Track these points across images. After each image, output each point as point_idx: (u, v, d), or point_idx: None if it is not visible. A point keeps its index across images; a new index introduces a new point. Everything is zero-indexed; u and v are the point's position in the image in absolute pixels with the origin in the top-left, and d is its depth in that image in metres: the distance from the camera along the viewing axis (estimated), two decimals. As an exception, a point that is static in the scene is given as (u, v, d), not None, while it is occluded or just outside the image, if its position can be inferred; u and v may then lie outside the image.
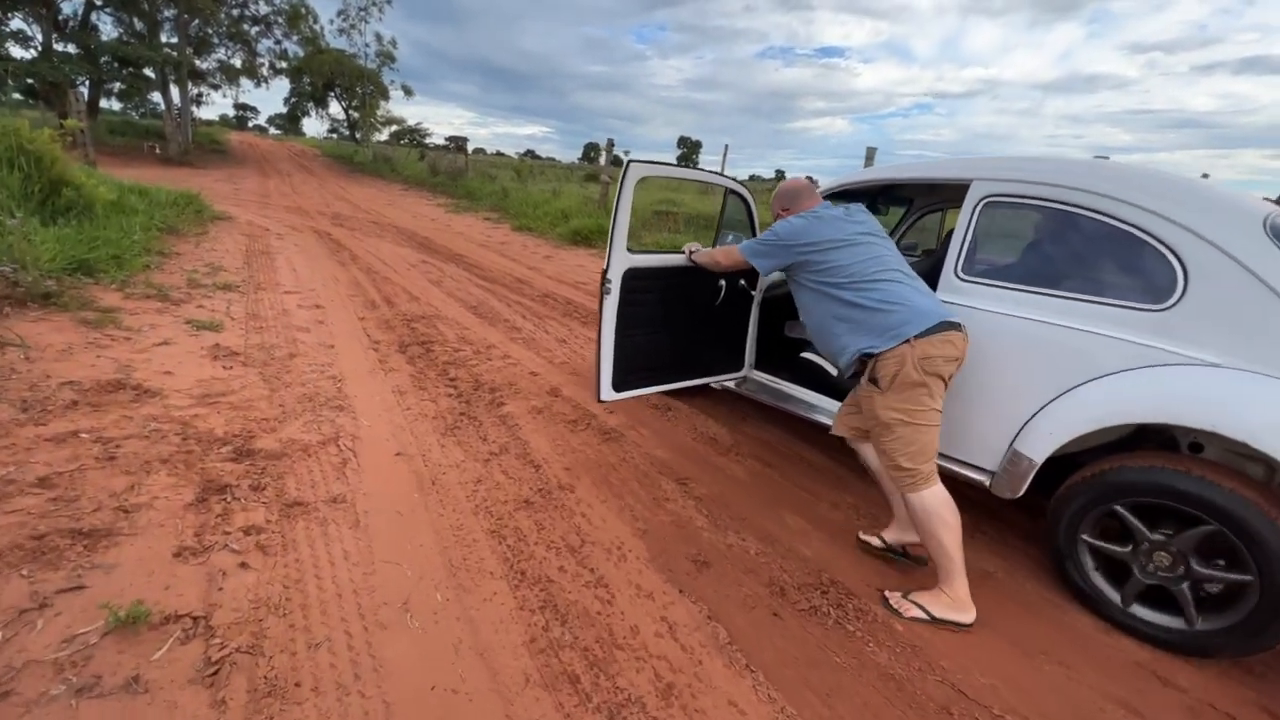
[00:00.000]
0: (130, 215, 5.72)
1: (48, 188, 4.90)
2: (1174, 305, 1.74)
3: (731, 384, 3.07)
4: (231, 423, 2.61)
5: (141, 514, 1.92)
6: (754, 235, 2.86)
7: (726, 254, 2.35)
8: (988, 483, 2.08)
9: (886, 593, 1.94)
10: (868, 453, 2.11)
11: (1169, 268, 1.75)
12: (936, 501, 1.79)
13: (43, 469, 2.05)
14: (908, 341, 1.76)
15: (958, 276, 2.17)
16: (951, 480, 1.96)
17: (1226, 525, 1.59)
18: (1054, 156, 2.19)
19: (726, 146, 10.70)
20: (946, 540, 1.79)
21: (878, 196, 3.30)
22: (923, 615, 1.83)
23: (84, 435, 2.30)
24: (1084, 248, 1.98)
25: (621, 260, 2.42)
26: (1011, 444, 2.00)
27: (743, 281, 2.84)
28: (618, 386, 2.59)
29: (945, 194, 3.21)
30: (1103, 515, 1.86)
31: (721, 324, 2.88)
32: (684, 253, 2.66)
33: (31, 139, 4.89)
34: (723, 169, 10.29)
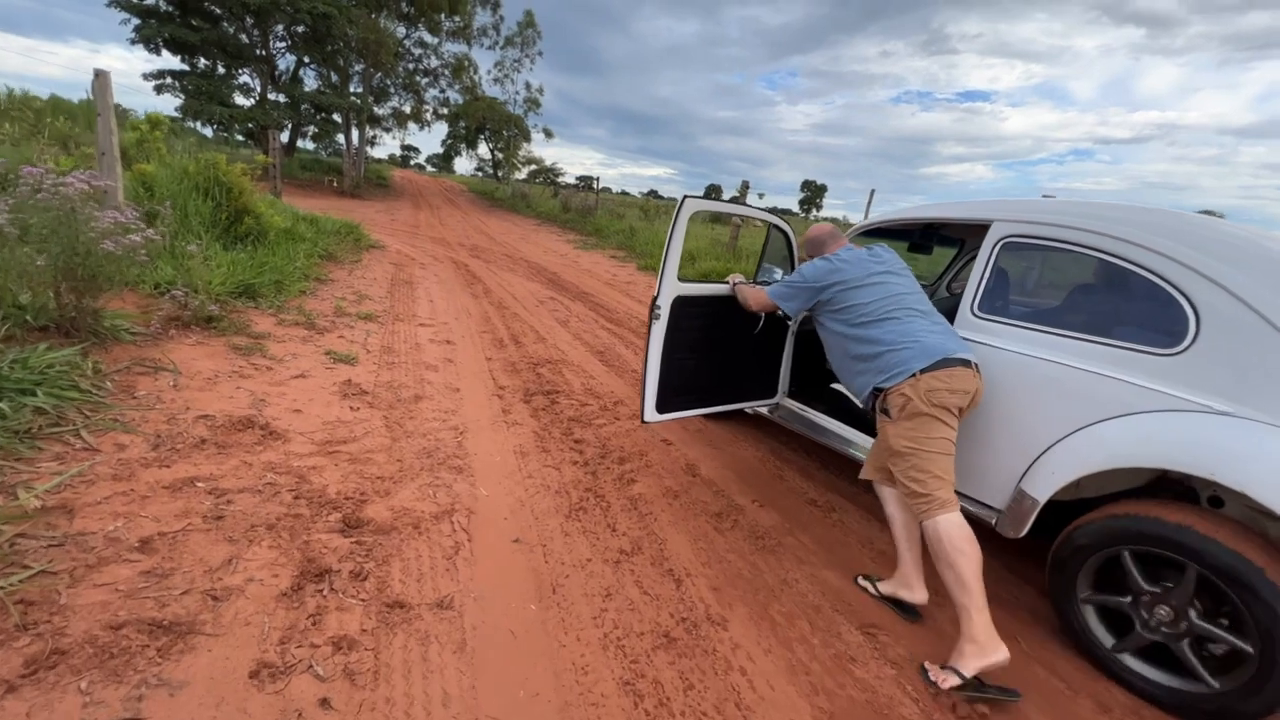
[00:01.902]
0: (298, 242, 6.14)
1: (233, 215, 5.33)
2: (1185, 350, 1.71)
3: (765, 410, 3.12)
4: (347, 479, 2.37)
5: (230, 604, 1.63)
6: (793, 268, 2.92)
7: (755, 296, 2.46)
8: (993, 521, 2.05)
9: (926, 664, 1.78)
10: (889, 498, 2.07)
11: (1180, 312, 1.73)
12: (952, 529, 1.75)
13: (149, 527, 1.86)
14: (913, 376, 1.85)
15: (973, 314, 2.20)
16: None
17: (1225, 582, 1.52)
18: (1073, 200, 2.14)
19: (872, 192, 9.88)
20: (964, 570, 1.70)
21: (921, 236, 3.29)
22: (959, 681, 1.66)
23: (200, 485, 2.13)
24: (1097, 289, 2.05)
25: (672, 288, 2.47)
26: (1018, 483, 1.98)
27: (780, 311, 2.76)
28: (661, 408, 2.62)
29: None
30: (1105, 562, 1.80)
31: (758, 351, 2.94)
32: (727, 283, 2.72)
33: (226, 172, 5.37)
34: (866, 214, 9.49)
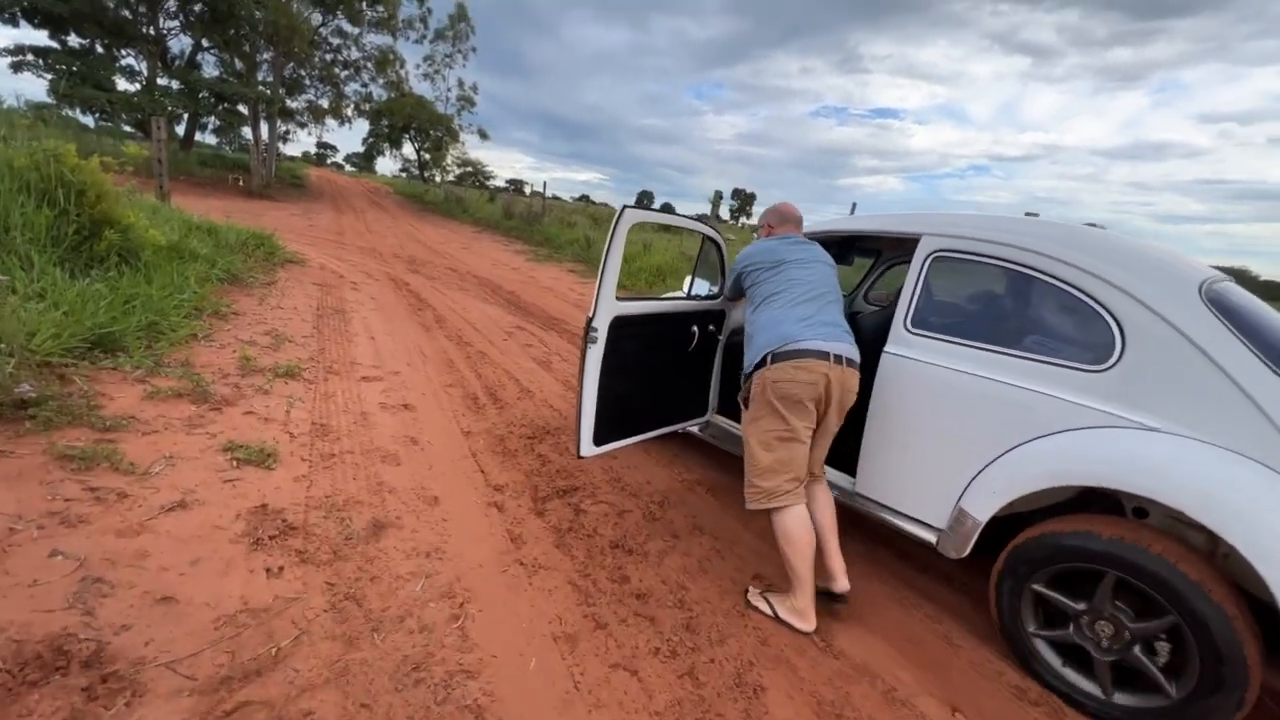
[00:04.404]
0: (188, 262, 4.65)
1: (87, 228, 3.83)
2: (1112, 367, 1.73)
3: (695, 429, 3.03)
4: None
5: None
6: (723, 278, 2.86)
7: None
8: (934, 540, 2.03)
9: (752, 585, 2.12)
10: (818, 492, 2.10)
11: (1107, 329, 1.75)
12: (785, 522, 1.92)
13: None
14: (763, 363, 1.95)
15: (906, 329, 2.16)
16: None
17: (1144, 581, 1.57)
18: (1001, 216, 2.14)
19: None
20: (793, 558, 1.91)
21: (843, 247, 3.17)
22: (767, 611, 1.99)
23: None
24: (1027, 306, 2.02)
25: (609, 308, 2.28)
26: (958, 502, 1.95)
27: (711, 326, 2.81)
28: (598, 441, 2.39)
29: (909, 247, 2.74)
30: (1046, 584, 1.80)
31: (691, 369, 2.82)
32: (675, 294, 2.87)
33: (77, 167, 3.87)
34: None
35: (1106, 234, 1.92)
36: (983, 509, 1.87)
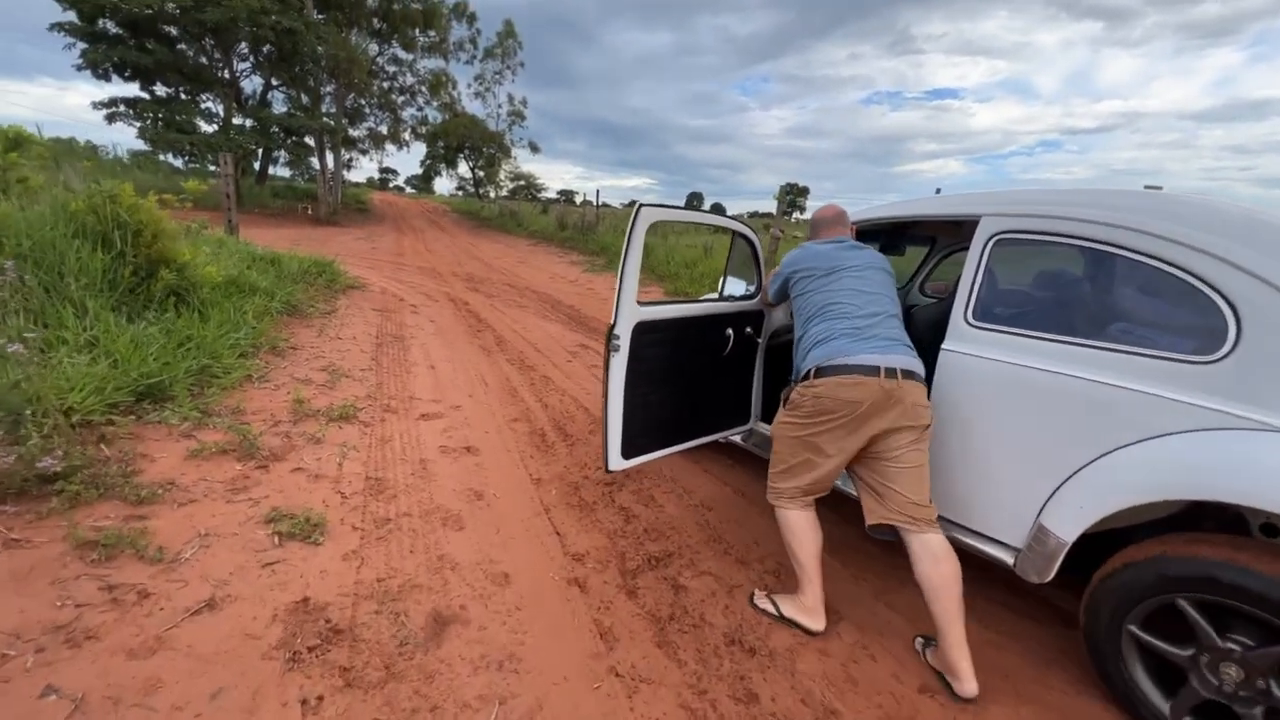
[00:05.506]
0: (247, 296, 4.51)
1: (144, 269, 3.71)
2: (1225, 357, 1.45)
3: (737, 439, 2.85)
4: None
5: None
6: (759, 278, 2.68)
7: (764, 290, 2.44)
8: (1011, 562, 1.77)
9: (755, 590, 2.04)
10: (921, 552, 1.71)
11: (1217, 312, 1.47)
12: (789, 519, 1.87)
13: None
14: (808, 376, 1.83)
15: (967, 323, 1.93)
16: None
17: None
18: (1071, 189, 1.81)
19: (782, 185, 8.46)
20: (799, 553, 1.86)
21: (894, 236, 3.01)
22: (772, 611, 1.92)
23: None
24: (1113, 290, 1.78)
25: (630, 314, 2.14)
26: (1037, 518, 1.71)
27: (749, 329, 2.64)
28: (627, 454, 2.25)
29: (967, 231, 2.23)
30: (1153, 611, 1.51)
31: (728, 374, 2.65)
32: (710, 297, 2.69)
33: (134, 207, 3.75)
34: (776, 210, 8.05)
35: (1208, 199, 1.63)
36: (1069, 527, 1.62)
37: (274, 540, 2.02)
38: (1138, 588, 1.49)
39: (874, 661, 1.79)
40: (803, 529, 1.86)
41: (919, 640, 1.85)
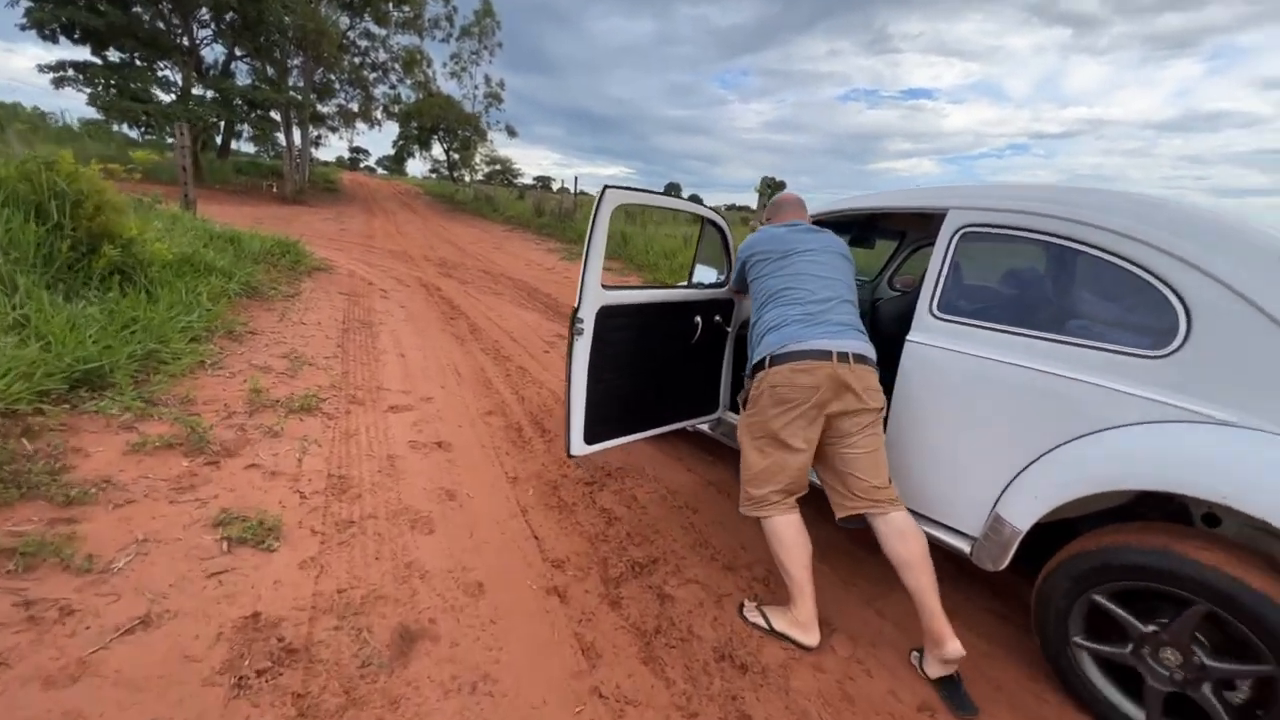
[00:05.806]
0: (202, 277, 4.22)
1: (84, 244, 3.41)
2: (1175, 351, 1.49)
3: (705, 427, 2.84)
4: None
5: None
6: (729, 266, 2.66)
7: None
8: (968, 550, 1.80)
9: (745, 600, 1.94)
10: (886, 530, 1.74)
11: (1168, 308, 1.51)
12: (776, 528, 1.79)
13: None
14: (762, 365, 1.82)
15: (932, 314, 1.95)
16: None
17: (1228, 610, 1.32)
18: (1038, 185, 1.88)
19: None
20: (789, 565, 1.78)
21: (864, 229, 3.00)
22: (763, 624, 1.83)
23: None
24: (1071, 284, 1.83)
25: (595, 297, 2.13)
26: (994, 507, 1.74)
27: (718, 317, 2.62)
28: (590, 439, 2.23)
29: (935, 225, 2.26)
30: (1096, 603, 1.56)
31: (697, 362, 2.63)
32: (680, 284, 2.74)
33: (72, 176, 3.44)
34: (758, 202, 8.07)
35: (1166, 200, 1.67)
36: (1023, 516, 1.66)
37: (222, 546, 1.84)
38: (1092, 569, 1.54)
39: (870, 678, 1.70)
40: (790, 537, 1.79)
41: (914, 654, 1.78)
